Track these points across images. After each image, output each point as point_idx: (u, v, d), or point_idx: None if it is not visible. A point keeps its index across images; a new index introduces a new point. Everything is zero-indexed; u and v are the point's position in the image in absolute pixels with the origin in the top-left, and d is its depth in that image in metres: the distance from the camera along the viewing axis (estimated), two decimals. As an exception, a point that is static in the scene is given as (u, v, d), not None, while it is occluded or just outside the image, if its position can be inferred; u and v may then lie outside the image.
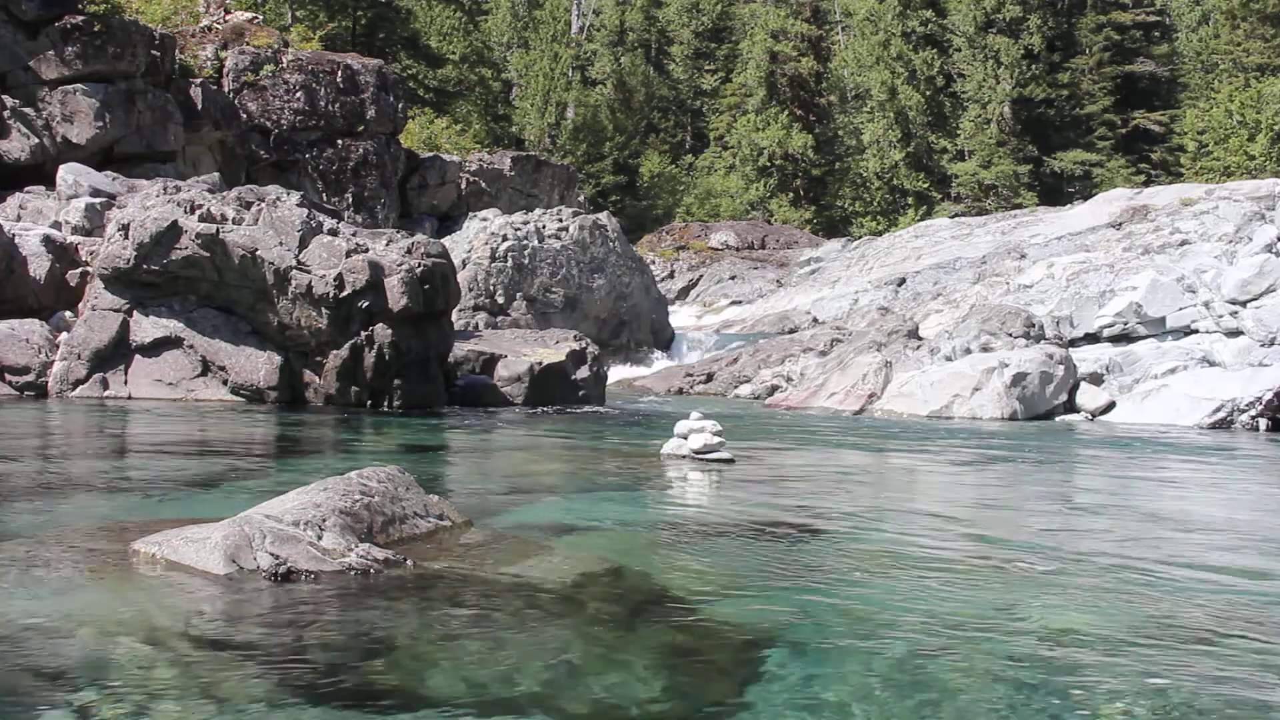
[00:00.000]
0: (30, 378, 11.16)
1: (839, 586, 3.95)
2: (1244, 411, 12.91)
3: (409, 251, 11.80)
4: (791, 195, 40.91)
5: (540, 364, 12.66)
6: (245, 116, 19.80)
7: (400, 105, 22.07)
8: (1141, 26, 40.90)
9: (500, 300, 19.53)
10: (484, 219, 21.02)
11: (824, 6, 45.75)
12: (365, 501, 4.22)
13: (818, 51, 43.07)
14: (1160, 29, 42.41)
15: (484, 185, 24.46)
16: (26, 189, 14.06)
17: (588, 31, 48.84)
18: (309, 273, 11.27)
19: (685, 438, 7.52)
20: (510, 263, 19.68)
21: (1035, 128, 40.26)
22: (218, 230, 11.31)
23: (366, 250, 11.57)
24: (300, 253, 11.38)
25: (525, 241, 20.04)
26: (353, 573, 3.74)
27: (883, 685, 2.90)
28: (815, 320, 23.03)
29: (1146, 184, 32.88)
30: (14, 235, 12.29)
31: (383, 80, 21.59)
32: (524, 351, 13.05)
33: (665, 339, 22.21)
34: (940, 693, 2.85)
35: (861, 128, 43.37)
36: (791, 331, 21.07)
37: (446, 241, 15.98)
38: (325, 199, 19.52)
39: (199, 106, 17.91)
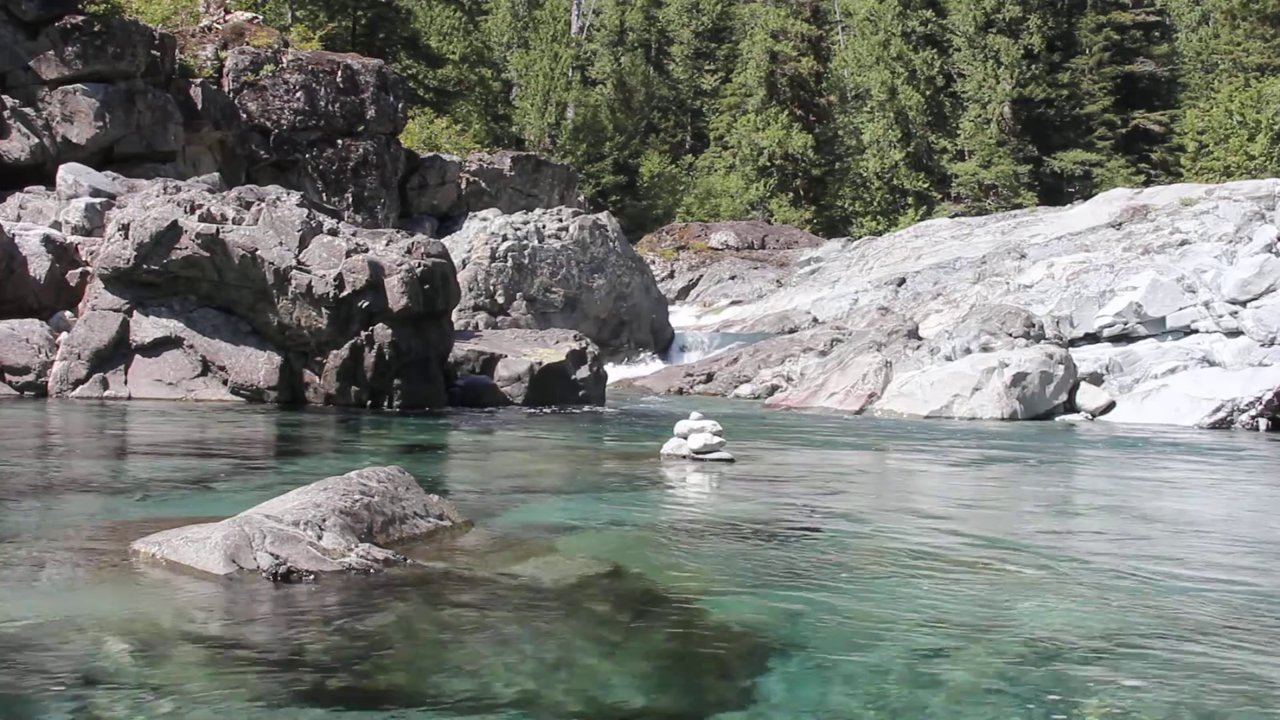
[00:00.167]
0: (30, 378, 11.16)
1: (839, 586, 3.95)
2: (1244, 411, 12.91)
3: (409, 251, 11.80)
4: (791, 195, 40.91)
5: (540, 364, 12.66)
6: (245, 116, 19.80)
7: (400, 105, 22.07)
8: (1141, 26, 40.90)
9: (500, 300, 19.53)
10: (484, 219, 21.02)
11: (824, 6, 45.74)
12: (365, 501, 4.22)
13: (818, 51, 43.07)
14: (1160, 29, 42.41)
15: (484, 185, 24.46)
16: (26, 189, 14.06)
17: (588, 31, 48.84)
18: (309, 273, 11.27)
19: (685, 438, 7.52)
20: (510, 263, 19.68)
21: (1035, 128, 40.26)
22: (218, 230, 11.31)
23: (366, 250, 11.57)
24: (300, 253, 11.38)
25: (525, 241, 20.04)
26: (353, 573, 3.74)
27: (882, 685, 2.90)
28: (815, 320, 23.03)
29: (1146, 184, 32.88)
30: (14, 235, 12.29)
31: (383, 80, 21.59)
32: (524, 351, 13.06)
33: (665, 339, 22.21)
34: (940, 692, 2.85)
35: (861, 128, 43.37)
36: (791, 331, 21.07)
37: (446, 241, 15.98)
38: (325, 199, 19.52)
39: (199, 106, 17.91)
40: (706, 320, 26.76)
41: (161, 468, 6.67)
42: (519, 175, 25.61)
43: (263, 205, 11.74)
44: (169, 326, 11.36)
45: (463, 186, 24.09)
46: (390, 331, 11.40)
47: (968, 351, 14.49)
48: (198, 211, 11.55)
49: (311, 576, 3.65)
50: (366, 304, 11.31)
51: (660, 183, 43.49)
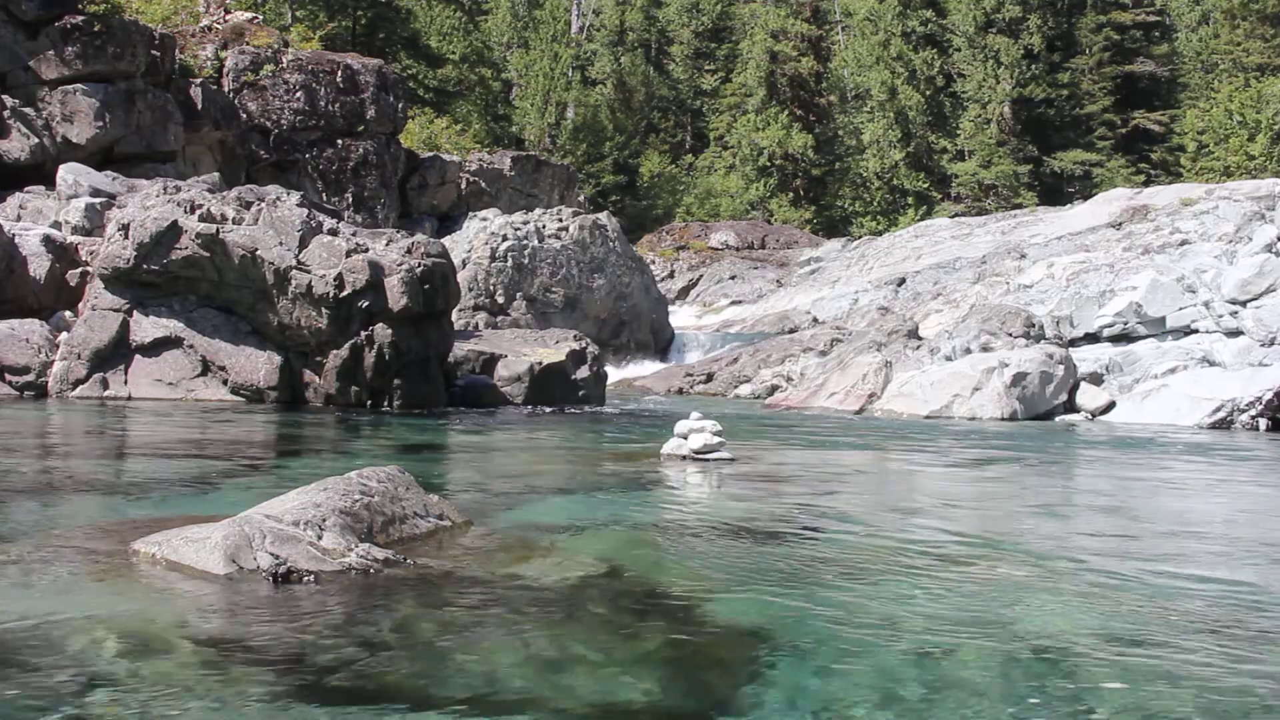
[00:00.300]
0: (30, 378, 11.16)
1: (839, 586, 3.95)
2: (1244, 411, 12.91)
3: (409, 251, 11.80)
4: (791, 195, 40.92)
5: (540, 364, 12.66)
6: (245, 116, 19.80)
7: (400, 105, 22.07)
8: (1141, 26, 40.90)
9: (500, 300, 19.53)
10: (484, 219, 21.02)
11: (824, 6, 45.75)
12: (365, 501, 4.22)
13: (818, 51, 43.08)
14: (1160, 29, 42.42)
15: (484, 185, 24.47)
16: (26, 189, 14.06)
17: (588, 31, 48.84)
18: (309, 273, 11.27)
19: (685, 438, 7.52)
20: (510, 263, 19.68)
21: (1035, 128, 40.27)
22: (218, 230, 11.31)
23: (366, 250, 11.57)
24: (300, 253, 11.38)
25: (525, 241, 20.04)
26: (353, 573, 3.74)
27: (882, 685, 2.90)
28: (815, 320, 23.03)
29: (1146, 184, 32.88)
30: (14, 235, 12.29)
31: (383, 80, 21.59)
32: (524, 351, 13.05)
33: (665, 339, 22.21)
34: (940, 692, 2.85)
35: (861, 128, 43.37)
36: (791, 331, 21.07)
37: (446, 241, 15.98)
38: (325, 199, 19.52)
39: (199, 106, 17.91)
40: (706, 320, 26.77)
41: (161, 468, 6.67)
42: (519, 175, 25.61)
43: (263, 205, 11.74)
44: (169, 326, 11.36)
45: (463, 186, 24.09)
46: (390, 331, 11.40)
47: (968, 351, 14.49)
48: (198, 211, 11.55)
49: (311, 576, 3.65)
50: (366, 304, 11.31)
51: (660, 183, 43.50)
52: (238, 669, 2.84)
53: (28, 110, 15.73)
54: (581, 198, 28.34)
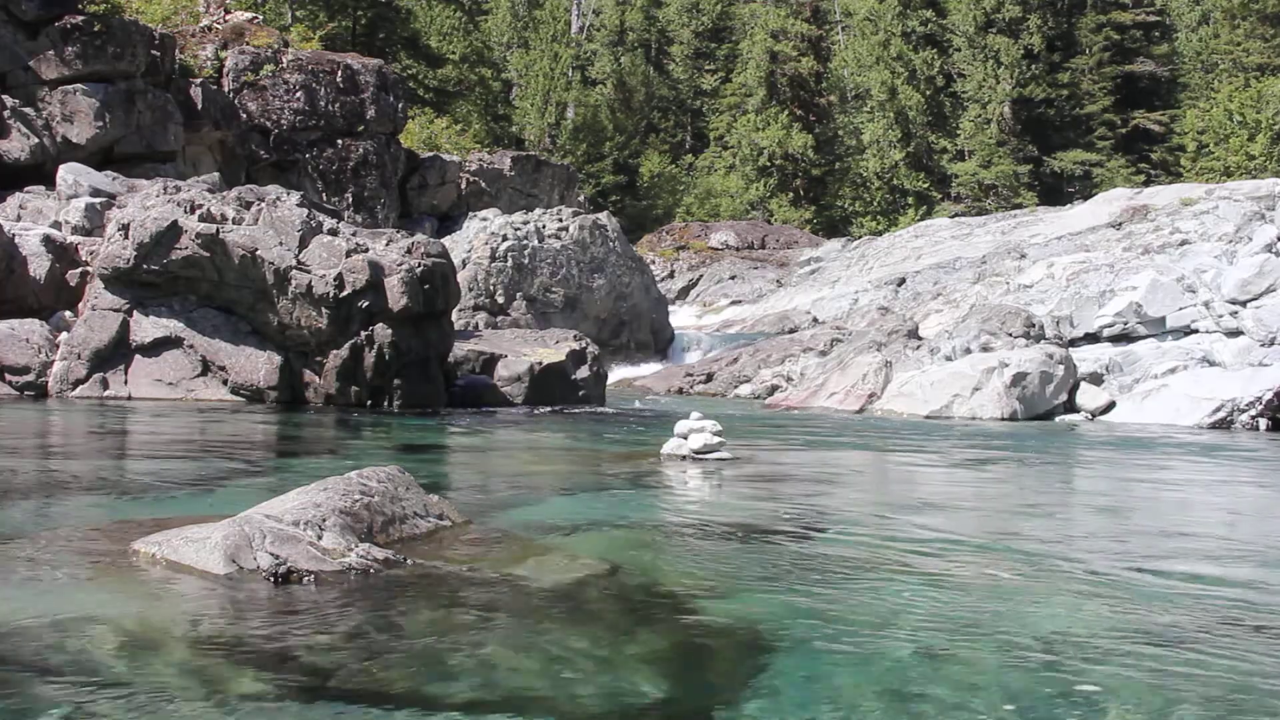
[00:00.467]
0: (30, 378, 11.16)
1: (838, 586, 3.95)
2: (1244, 411, 12.91)
3: (409, 251, 11.80)
4: (791, 195, 40.92)
5: (540, 364, 12.66)
6: (245, 116, 19.80)
7: (400, 105, 22.07)
8: (1141, 26, 40.90)
9: (500, 300, 19.53)
10: (484, 219, 21.02)
11: (824, 6, 45.75)
12: (365, 501, 4.22)
13: (818, 51, 43.08)
14: (1160, 29, 42.41)
15: (484, 185, 24.46)
16: (26, 189, 14.06)
17: (588, 31, 48.84)
18: (309, 273, 11.27)
19: (685, 438, 7.52)
20: (510, 263, 19.68)
21: (1035, 128, 40.27)
22: (218, 230, 11.31)
23: (366, 250, 11.57)
24: (300, 253, 11.38)
25: (525, 241, 20.04)
26: (353, 573, 3.74)
27: (882, 686, 2.90)
28: (815, 320, 23.04)
29: (1146, 184, 32.89)
30: (14, 235, 12.29)
31: (383, 80, 21.59)
32: (524, 351, 13.05)
33: (665, 339, 22.21)
34: (939, 693, 2.85)
35: (861, 128, 43.37)
36: (791, 331, 21.07)
37: (446, 241, 15.98)
38: (325, 199, 19.52)
39: (199, 106, 17.91)
40: (706, 320, 26.77)
41: (161, 468, 6.67)
42: (519, 175, 25.61)
43: (263, 205, 11.74)
44: (169, 326, 11.36)
45: (463, 186, 24.09)
46: (390, 331, 11.40)
47: (968, 351, 14.49)
48: (198, 211, 11.55)
49: (311, 576, 3.65)
50: (366, 304, 11.31)
51: (660, 183, 43.50)
52: (238, 669, 2.84)
53: (28, 110, 15.73)
54: (581, 198, 28.35)
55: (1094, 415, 13.81)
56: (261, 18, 23.32)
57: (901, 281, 24.42)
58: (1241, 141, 31.54)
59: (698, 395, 17.45)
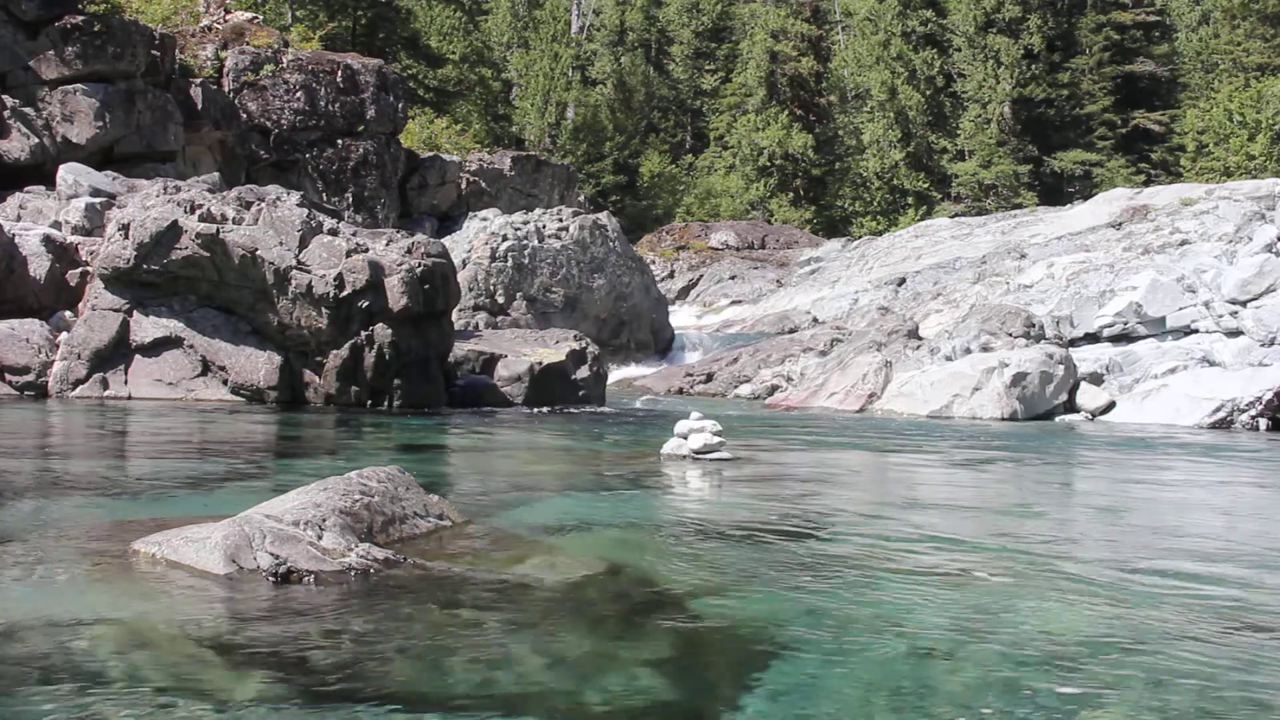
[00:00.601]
0: (30, 378, 11.16)
1: (838, 587, 3.95)
2: (1244, 411, 12.91)
3: (409, 251, 11.80)
4: (791, 195, 40.92)
5: (540, 364, 12.65)
6: (245, 116, 19.80)
7: (400, 105, 22.07)
8: (1141, 26, 40.91)
9: (500, 300, 19.53)
10: (484, 219, 21.02)
11: (824, 6, 45.75)
12: (365, 501, 4.22)
13: (818, 51, 43.08)
14: (1160, 29, 42.41)
15: (484, 185, 24.47)
16: (26, 189, 14.06)
17: (588, 31, 48.85)
18: (309, 272, 11.27)
19: (685, 438, 7.52)
20: (510, 263, 19.68)
21: (1035, 128, 40.27)
22: (218, 230, 11.31)
23: (366, 250, 11.57)
24: (300, 253, 11.38)
25: (525, 241, 20.04)
26: (353, 573, 3.74)
27: (882, 686, 2.90)
28: (815, 320, 23.03)
29: (1146, 184, 32.88)
30: (14, 235, 12.29)
31: (383, 80, 21.59)
32: (524, 351, 13.05)
33: (665, 339, 22.20)
34: (939, 693, 2.85)
35: (861, 128, 43.37)
36: (791, 331, 21.07)
37: (446, 241, 15.98)
38: (325, 199, 19.52)
39: (199, 106, 17.91)
40: (706, 320, 26.77)
41: (161, 468, 6.67)
42: (519, 175, 25.61)
43: (263, 205, 11.74)
44: (169, 326, 11.36)
45: (463, 186, 24.09)
46: (390, 331, 11.40)
47: (968, 351, 14.49)
48: (198, 211, 11.55)
49: (311, 576, 3.65)
50: (366, 304, 11.31)
51: (660, 183, 43.50)
52: (238, 669, 2.84)
53: (28, 110, 15.73)
54: (581, 198, 28.35)
55: (1094, 415, 13.81)
56: (261, 18, 23.33)
57: (901, 281, 24.42)
58: (1241, 141, 31.54)
59: (698, 395, 17.45)
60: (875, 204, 41.55)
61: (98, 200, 13.20)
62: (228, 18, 21.08)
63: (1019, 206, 34.53)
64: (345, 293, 11.23)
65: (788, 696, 2.79)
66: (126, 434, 9.00)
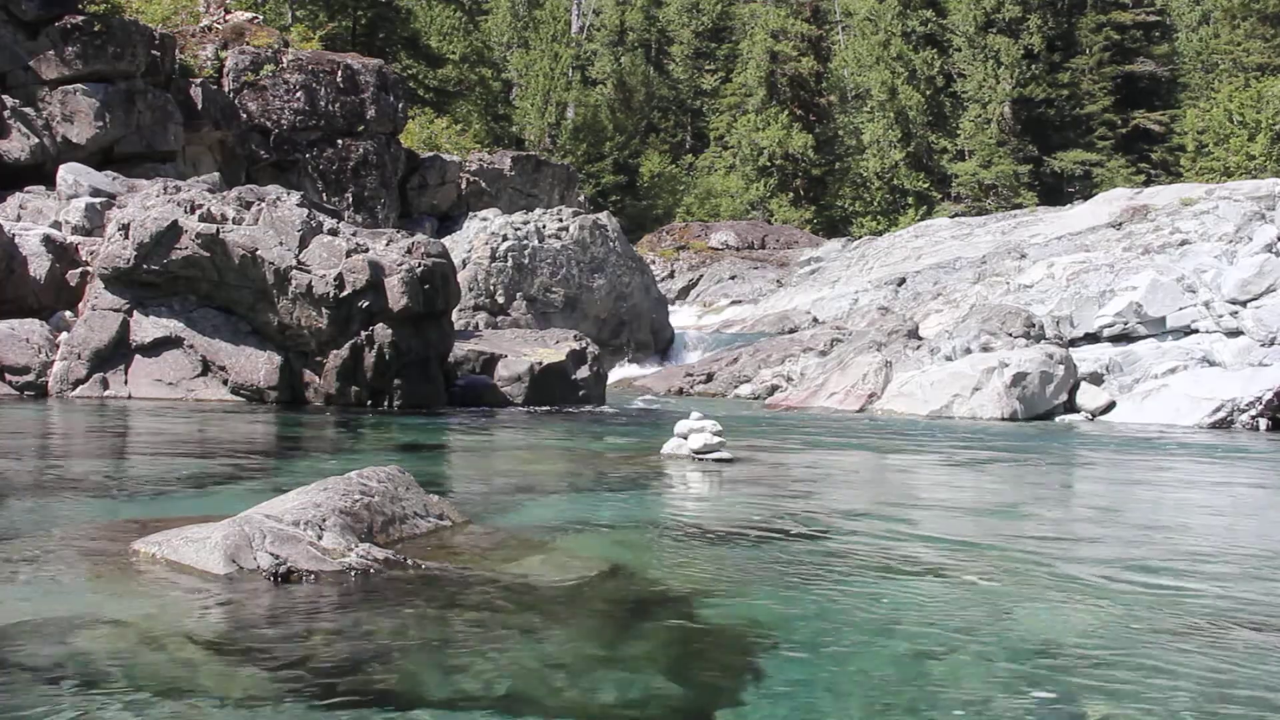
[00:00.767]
0: (30, 378, 11.16)
1: (838, 587, 3.95)
2: (1244, 411, 12.91)
3: (409, 251, 11.80)
4: (791, 195, 40.93)
5: (540, 364, 12.65)
6: (245, 116, 19.80)
7: (400, 105, 22.07)
8: (1141, 26, 40.92)
9: (500, 300, 19.53)
10: (484, 219, 21.02)
11: (824, 6, 45.76)
12: (365, 501, 4.22)
13: (818, 51, 43.09)
14: (1160, 29, 42.43)
15: (484, 185, 24.47)
16: (26, 189, 14.06)
17: (588, 31, 48.86)
18: (309, 272, 11.27)
19: (685, 438, 7.52)
20: (510, 263, 19.68)
21: (1035, 128, 40.28)
22: (218, 230, 11.31)
23: (366, 250, 11.57)
24: (300, 253, 11.38)
25: (525, 241, 20.04)
26: (353, 573, 3.74)
27: (882, 686, 2.90)
28: (815, 320, 23.03)
29: (1146, 184, 32.90)
30: (14, 235, 12.29)
31: (383, 80, 21.59)
32: (524, 351, 13.05)
33: (665, 339, 22.21)
34: (939, 694, 2.85)
35: (861, 128, 43.39)
36: (791, 331, 21.07)
37: (446, 241, 15.98)
38: (325, 199, 19.52)
39: (199, 106, 17.91)
40: (706, 320, 26.77)
41: (161, 468, 6.67)
42: (519, 175, 25.62)
43: (263, 205, 11.74)
44: (169, 326, 11.36)
45: (463, 186, 24.09)
46: (390, 331, 11.40)
47: (968, 351, 14.49)
48: (198, 211, 11.55)
49: (311, 576, 3.65)
50: (366, 304, 11.31)
51: (660, 183, 43.51)
52: (238, 669, 2.84)
53: (28, 110, 15.73)
54: (581, 198, 28.35)
55: (1094, 415, 13.81)
56: (261, 18, 23.32)
57: (901, 281, 24.42)
58: (1241, 141, 31.55)
59: (698, 395, 17.45)
60: (875, 204, 41.56)
61: (98, 200, 13.20)
62: (228, 18, 21.08)
63: (1019, 206, 34.54)
64: (345, 293, 11.23)
65: (788, 696, 2.79)
66: (126, 434, 9.00)
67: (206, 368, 11.36)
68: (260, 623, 3.24)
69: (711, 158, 46.81)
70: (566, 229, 20.78)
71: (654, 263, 29.46)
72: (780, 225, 36.44)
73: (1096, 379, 14.37)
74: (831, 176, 42.43)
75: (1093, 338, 15.53)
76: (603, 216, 22.04)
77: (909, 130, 41.57)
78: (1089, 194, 32.40)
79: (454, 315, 13.34)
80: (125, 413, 10.19)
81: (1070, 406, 14.00)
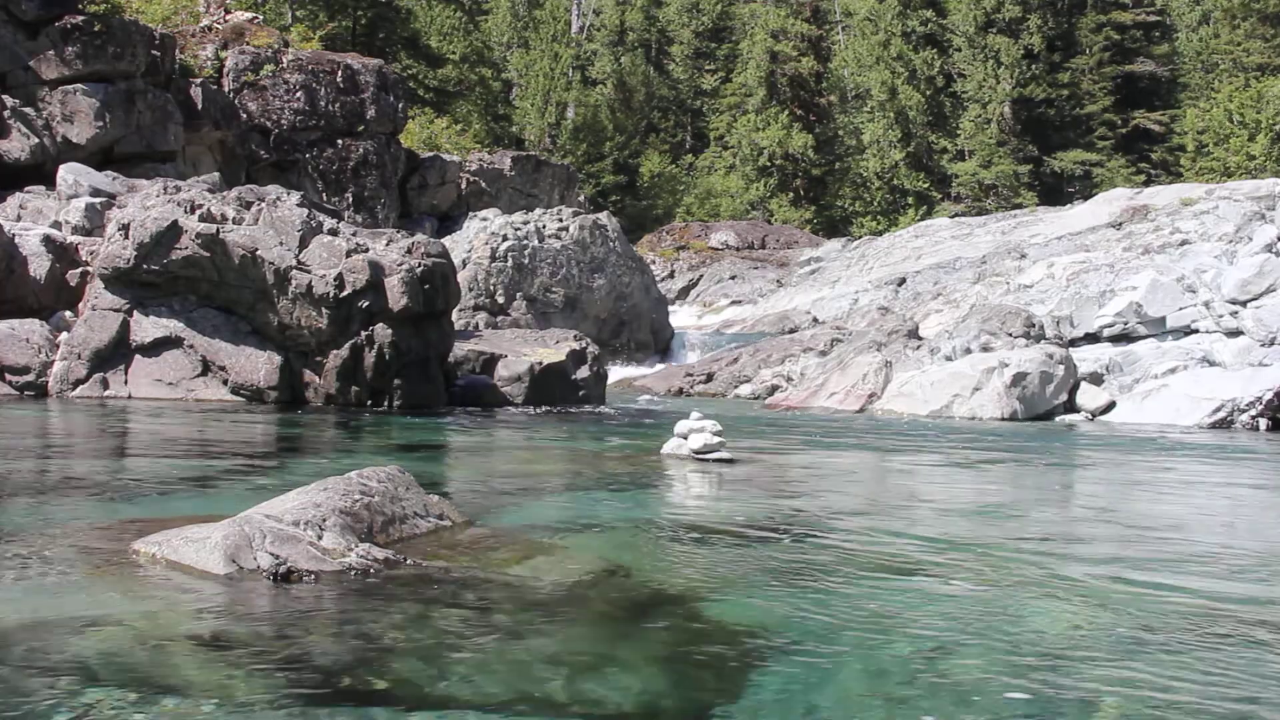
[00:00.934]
0: (30, 378, 11.16)
1: (838, 587, 3.95)
2: (1244, 411, 12.91)
3: (409, 251, 11.80)
4: (791, 195, 40.94)
5: (540, 364, 12.65)
6: (245, 116, 19.80)
7: (400, 105, 22.07)
8: (1141, 26, 40.93)
9: (500, 300, 19.53)
10: (484, 219, 21.02)
11: (824, 6, 45.77)
12: (365, 501, 4.22)
13: (818, 51, 43.10)
14: (1160, 29, 42.44)
15: (484, 185, 24.47)
16: (26, 189, 14.06)
17: (588, 31, 48.86)
18: (309, 272, 11.27)
19: (685, 438, 7.52)
20: (510, 263, 19.68)
21: (1035, 128, 40.28)
22: (218, 230, 11.31)
23: (366, 250, 11.57)
24: (300, 253, 11.38)
25: (525, 241, 20.04)
26: (353, 573, 3.74)
27: (881, 686, 2.90)
28: (815, 320, 23.03)
29: (1146, 184, 32.90)
30: (14, 235, 12.28)
31: (383, 80, 21.59)
32: (524, 351, 13.05)
33: (665, 339, 22.21)
34: (939, 694, 2.85)
35: (861, 128, 43.39)
36: (791, 331, 21.07)
37: (446, 241, 15.98)
38: (325, 199, 19.52)
39: (199, 106, 17.91)
40: (706, 320, 26.77)
41: (161, 468, 6.67)
42: (519, 175, 25.62)
43: (263, 205, 11.74)
44: (169, 326, 11.36)
45: (463, 186, 24.09)
46: (390, 331, 11.40)
47: (968, 351, 14.49)
48: (198, 211, 11.55)
49: (311, 576, 3.65)
50: (366, 304, 11.31)
51: (660, 183, 43.52)
52: (238, 669, 2.84)
53: (28, 110, 15.73)
54: (581, 198, 28.35)
55: (1094, 415, 13.81)
56: (261, 18, 23.33)
57: (901, 281, 24.42)
58: (1241, 141, 31.56)
59: (698, 395, 17.45)
60: (875, 204, 41.57)
61: (98, 200, 13.20)
62: (228, 18, 21.08)
63: (1019, 206, 34.54)
64: (345, 293, 11.23)
65: (787, 696, 2.79)
66: (126, 434, 9.00)
67: (206, 368, 11.36)
68: (260, 623, 3.24)
69: (711, 158, 46.82)
70: (566, 229, 20.78)
71: (654, 263, 29.46)
72: (780, 225, 36.45)
73: (1096, 379, 14.37)
74: (831, 176, 42.44)
75: (1093, 338, 15.53)
76: (603, 216, 22.04)
77: (909, 130, 41.57)
78: (1089, 194, 32.40)
79: (454, 315, 13.34)
80: (125, 413, 10.19)
81: (1070, 406, 14.00)
